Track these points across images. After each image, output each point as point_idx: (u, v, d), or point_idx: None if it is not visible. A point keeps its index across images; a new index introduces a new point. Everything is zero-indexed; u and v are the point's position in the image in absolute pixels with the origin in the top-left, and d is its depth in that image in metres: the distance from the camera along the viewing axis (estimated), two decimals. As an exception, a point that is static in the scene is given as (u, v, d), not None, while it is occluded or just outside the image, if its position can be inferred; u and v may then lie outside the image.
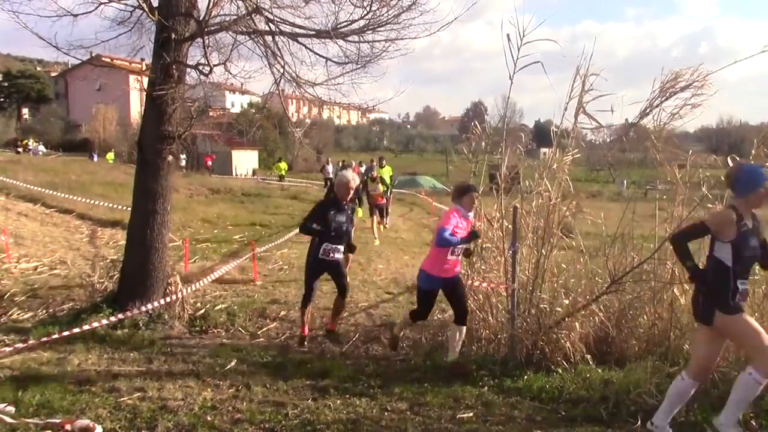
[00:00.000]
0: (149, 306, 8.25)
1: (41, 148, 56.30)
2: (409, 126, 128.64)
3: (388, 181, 21.89)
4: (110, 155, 52.33)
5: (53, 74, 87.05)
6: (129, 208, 9.20)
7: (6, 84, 79.20)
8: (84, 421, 5.22)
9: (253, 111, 65.85)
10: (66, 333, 7.22)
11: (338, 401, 6.02)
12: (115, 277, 9.19)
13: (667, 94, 6.96)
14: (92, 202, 20.27)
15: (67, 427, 5.16)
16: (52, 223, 18.08)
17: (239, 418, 5.59)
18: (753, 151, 6.81)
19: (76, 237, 16.58)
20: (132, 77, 55.69)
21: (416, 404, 5.98)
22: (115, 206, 19.59)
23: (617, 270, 6.97)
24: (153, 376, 6.60)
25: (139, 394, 6.07)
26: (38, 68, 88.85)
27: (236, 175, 52.00)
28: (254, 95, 75.30)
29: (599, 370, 6.56)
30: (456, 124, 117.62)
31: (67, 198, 20.44)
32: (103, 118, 63.26)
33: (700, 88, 6.82)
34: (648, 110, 7.13)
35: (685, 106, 6.96)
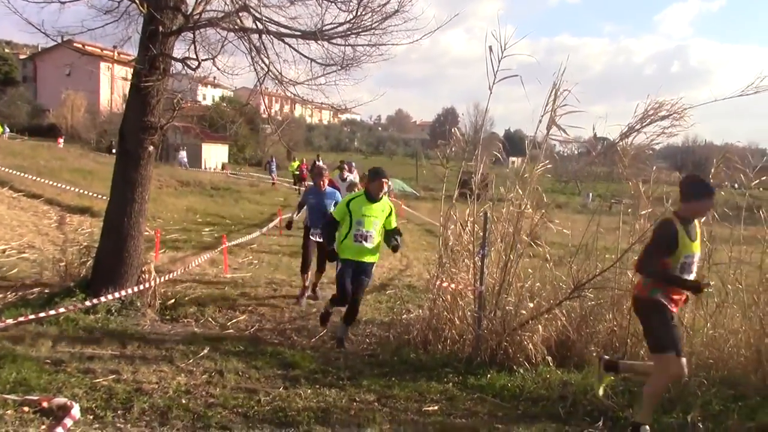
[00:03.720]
0: (122, 293, 8.35)
1: (7, 130, 54.85)
2: (380, 128, 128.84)
3: None
4: None
5: (22, 57, 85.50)
6: (98, 196, 9.29)
7: (-29, 65, 77.62)
8: (61, 399, 5.34)
9: (225, 105, 65.42)
10: (42, 315, 7.30)
11: (309, 391, 6.22)
12: (88, 263, 9.28)
13: (648, 120, 7.34)
14: (61, 186, 20.18)
15: (45, 404, 5.28)
16: (20, 207, 17.92)
17: (213, 402, 5.77)
18: (713, 170, 7.18)
19: (44, 222, 16.48)
20: (104, 65, 55.17)
21: (384, 396, 6.21)
22: (85, 193, 19.52)
23: (580, 277, 7.29)
24: (127, 360, 6.74)
25: (114, 376, 6.21)
26: (6, 50, 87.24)
27: (206, 168, 51.75)
28: (226, 89, 74.71)
29: (559, 372, 6.88)
30: (427, 129, 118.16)
31: (35, 182, 20.27)
32: (71, 105, 62.33)
33: (679, 120, 7.21)
34: (629, 133, 7.50)
35: (662, 134, 7.37)
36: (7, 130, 54.35)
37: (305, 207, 10.53)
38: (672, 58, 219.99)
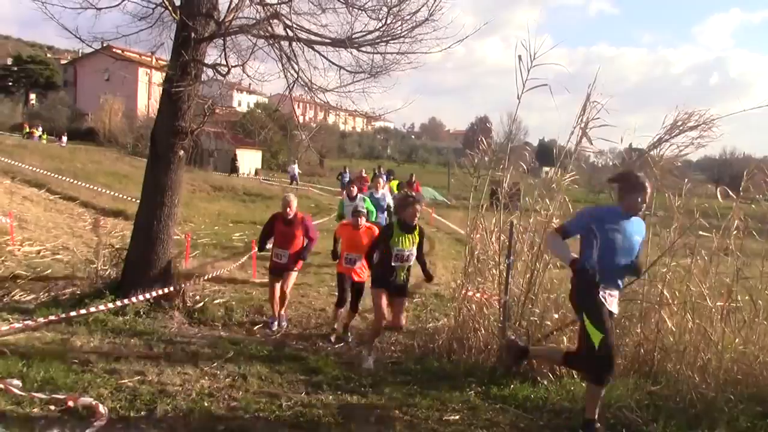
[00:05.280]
0: (152, 295, 8.48)
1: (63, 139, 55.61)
2: (413, 136, 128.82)
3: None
4: None
5: (63, 62, 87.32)
6: (132, 199, 9.42)
7: (15, 68, 79.53)
8: (87, 399, 5.44)
9: (259, 111, 66.03)
10: (73, 314, 7.44)
11: (330, 396, 6.26)
12: (119, 266, 9.42)
13: (677, 131, 7.28)
14: (97, 189, 20.52)
15: (71, 403, 5.38)
16: (56, 209, 18.30)
17: (235, 406, 5.83)
18: (742, 183, 7.08)
19: (79, 224, 16.79)
20: (141, 70, 56.08)
21: (405, 404, 6.21)
22: (119, 196, 19.84)
23: (608, 289, 7.20)
24: (153, 362, 6.83)
25: (139, 377, 6.31)
26: (48, 54, 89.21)
27: (239, 173, 52.21)
28: (261, 95, 75.72)
29: (583, 384, 6.78)
30: (460, 138, 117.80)
31: (71, 185, 20.66)
32: (109, 109, 63.35)
33: (707, 130, 7.15)
34: (658, 143, 7.45)
35: (690, 145, 7.32)
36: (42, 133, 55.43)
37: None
38: (711, 70, 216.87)
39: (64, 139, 52.61)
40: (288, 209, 9.17)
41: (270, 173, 54.86)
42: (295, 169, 46.54)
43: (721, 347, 6.79)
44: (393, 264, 7.41)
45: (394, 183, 22.47)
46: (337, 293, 9.24)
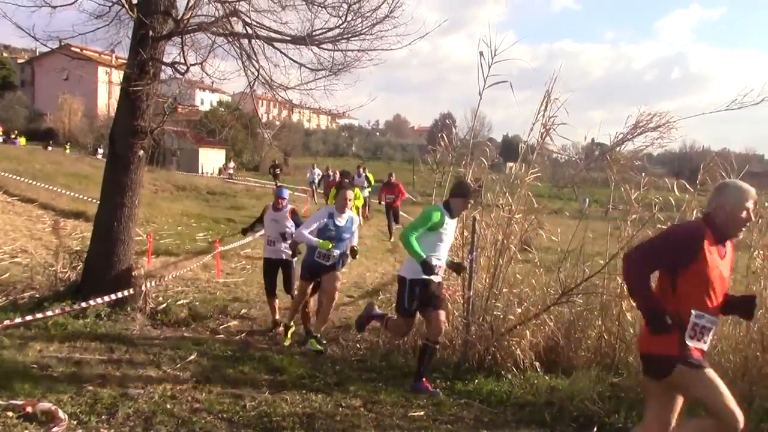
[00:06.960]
0: (112, 297, 8.35)
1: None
2: (378, 133, 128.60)
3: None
4: None
5: (20, 61, 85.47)
6: (93, 200, 9.27)
7: (-30, 68, 77.66)
8: (46, 404, 5.34)
9: (222, 110, 65.39)
10: (29, 318, 7.29)
11: (295, 396, 6.23)
12: (79, 268, 9.28)
13: (639, 131, 7.42)
14: (56, 189, 20.16)
15: (29, 409, 5.27)
16: (14, 211, 17.90)
17: (198, 407, 5.77)
18: (699, 176, 7.22)
19: (38, 227, 16.46)
20: (101, 69, 55.14)
21: (370, 402, 6.21)
22: (79, 197, 19.50)
23: (568, 282, 7.30)
24: (114, 365, 6.74)
25: (99, 381, 6.21)
26: (5, 54, 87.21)
27: (202, 173, 51.74)
28: (224, 93, 74.96)
29: (546, 377, 6.89)
30: (425, 134, 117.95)
31: (30, 186, 20.27)
32: (69, 109, 62.31)
33: (668, 132, 7.30)
34: (620, 142, 7.59)
35: (651, 145, 7.49)
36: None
37: None
38: (672, 65, 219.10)
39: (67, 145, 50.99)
40: None
41: (235, 172, 54.25)
42: (316, 173, 35.10)
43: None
44: None
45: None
46: None
